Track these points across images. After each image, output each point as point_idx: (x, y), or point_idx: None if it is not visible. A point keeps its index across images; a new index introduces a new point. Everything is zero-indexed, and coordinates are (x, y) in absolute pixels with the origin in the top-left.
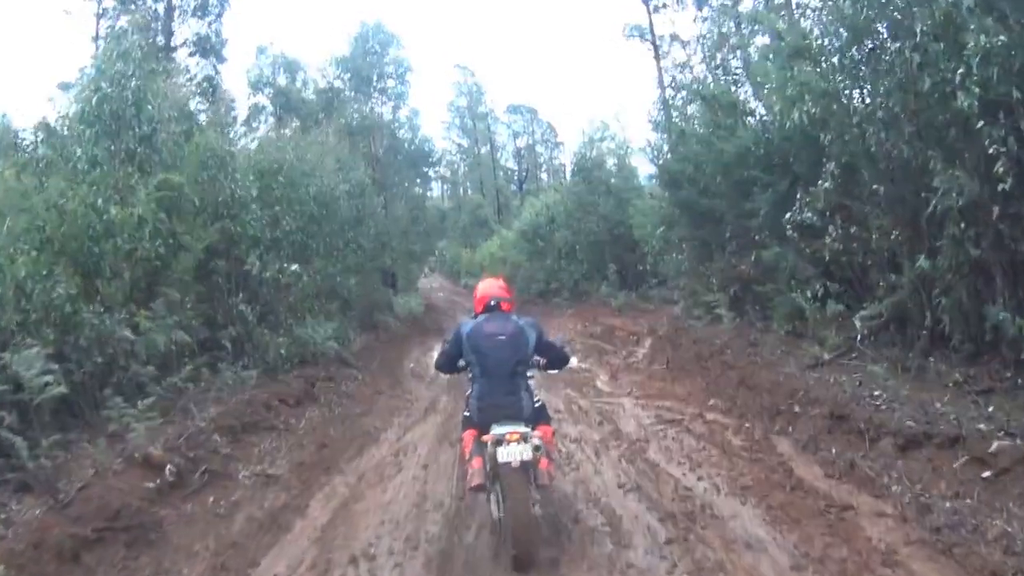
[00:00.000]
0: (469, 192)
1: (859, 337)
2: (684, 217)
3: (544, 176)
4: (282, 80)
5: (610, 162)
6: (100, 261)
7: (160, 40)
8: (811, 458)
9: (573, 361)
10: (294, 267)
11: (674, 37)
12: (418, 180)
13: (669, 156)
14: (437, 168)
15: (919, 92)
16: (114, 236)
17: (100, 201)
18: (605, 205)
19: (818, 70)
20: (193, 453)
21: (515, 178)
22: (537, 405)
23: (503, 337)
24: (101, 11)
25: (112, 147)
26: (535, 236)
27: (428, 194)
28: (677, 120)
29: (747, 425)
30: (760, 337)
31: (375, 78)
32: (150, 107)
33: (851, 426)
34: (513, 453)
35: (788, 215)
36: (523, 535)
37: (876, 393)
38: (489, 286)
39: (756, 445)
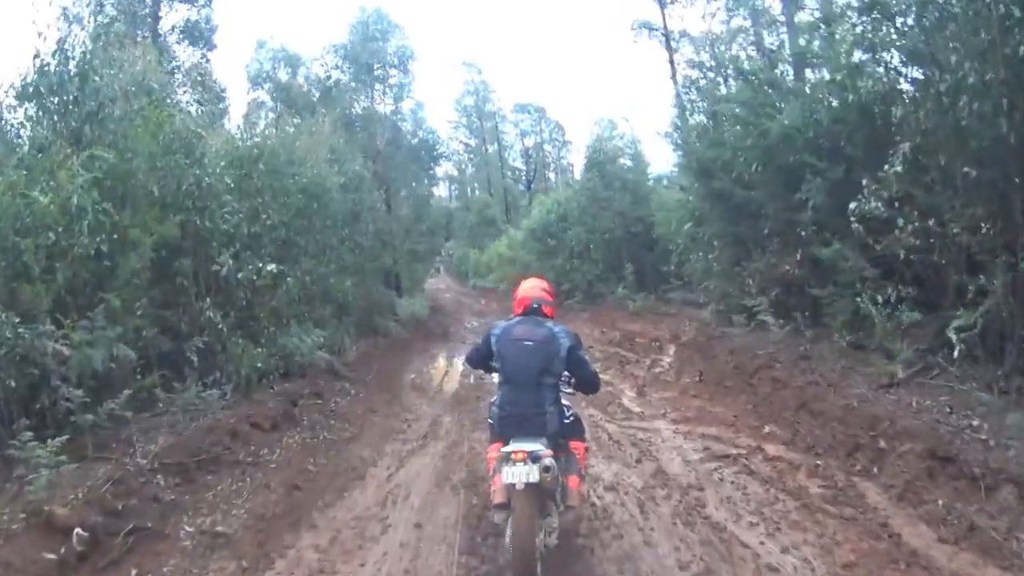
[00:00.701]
0: (476, 191)
1: (955, 352)
2: (716, 211)
3: (552, 176)
4: (283, 75)
5: (624, 156)
6: (26, 259)
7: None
8: (913, 513)
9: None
10: (271, 267)
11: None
12: (423, 176)
13: (698, 143)
14: (443, 161)
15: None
16: (48, 229)
17: (37, 189)
18: (621, 201)
19: (893, 29)
20: (122, 504)
21: (523, 178)
22: (569, 420)
23: (531, 343)
24: None
25: (57, 127)
26: (545, 235)
27: (434, 192)
28: (702, 106)
29: (820, 464)
30: (811, 348)
31: (376, 67)
32: (97, 79)
33: (957, 469)
34: (518, 474)
35: (854, 205)
36: (521, 569)
37: (975, 423)
38: (531, 287)
39: (840, 495)
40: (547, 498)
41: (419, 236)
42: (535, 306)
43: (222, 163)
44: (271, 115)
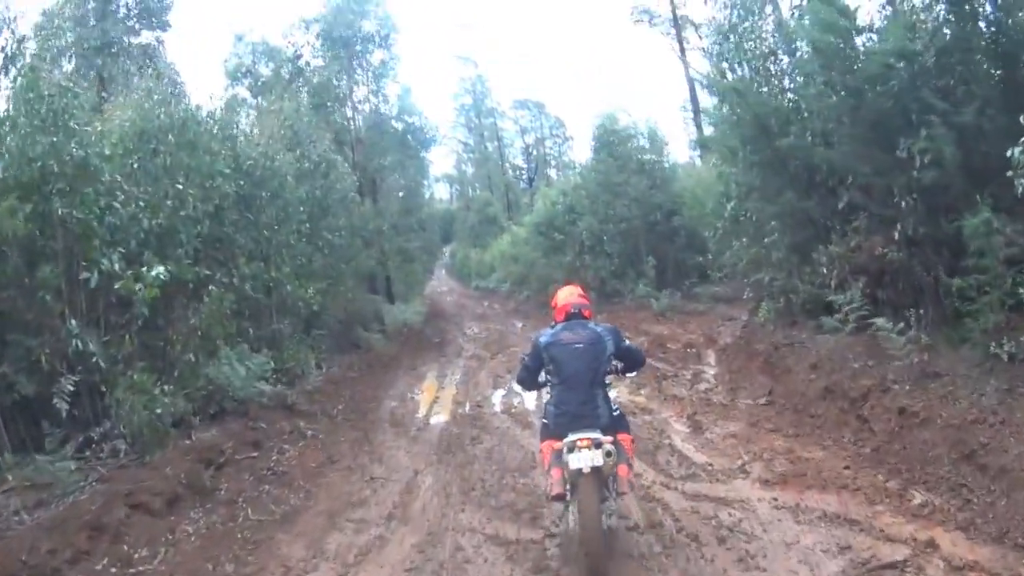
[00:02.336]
0: (477, 190)
1: None
2: (774, 182)
3: (554, 174)
4: (264, 70)
5: (639, 137)
6: None
7: None
8: None
9: (624, 395)
10: (157, 270)
11: None
12: (412, 165)
13: (740, 99)
14: (434, 145)
15: None
16: None
17: None
18: (637, 186)
19: None
20: None
21: (524, 175)
22: (616, 413)
23: (581, 345)
24: None
25: None
26: (551, 229)
27: (425, 183)
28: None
29: None
30: (937, 361)
31: (354, 44)
32: None
33: None
34: (584, 459)
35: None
36: (592, 546)
37: None
38: (569, 294)
39: None
40: (604, 484)
41: (408, 232)
42: (575, 311)
43: (114, 137)
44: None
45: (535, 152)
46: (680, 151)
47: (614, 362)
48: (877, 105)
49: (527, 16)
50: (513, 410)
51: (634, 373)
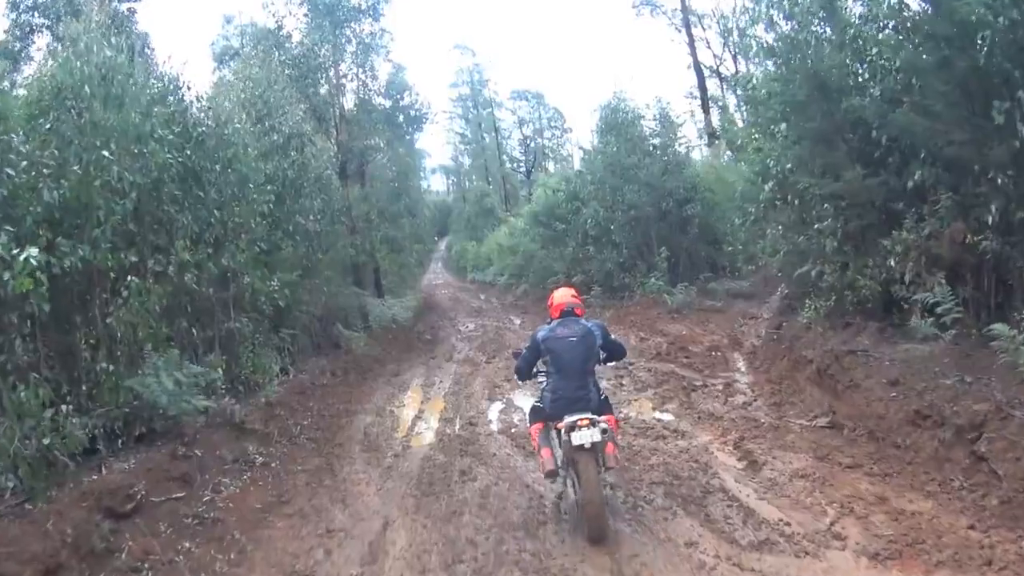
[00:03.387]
0: (474, 182)
1: None
2: (829, 157)
3: (551, 167)
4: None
5: (649, 118)
6: None
7: None
8: None
9: (647, 412)
10: (30, 252)
11: None
12: (402, 146)
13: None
14: (427, 123)
15: None
16: None
17: None
18: (649, 169)
19: None
20: None
21: (522, 167)
22: (603, 398)
23: (574, 339)
24: None
25: None
26: (552, 218)
27: (421, 168)
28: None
29: None
30: None
31: (340, 12)
32: None
33: None
34: (585, 436)
35: None
36: (596, 511)
37: None
38: (563, 295)
39: None
40: (599, 457)
41: (398, 219)
42: (569, 309)
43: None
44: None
45: (533, 144)
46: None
47: (602, 354)
48: (968, 60)
49: (526, 5)
50: (514, 430)
51: (615, 363)
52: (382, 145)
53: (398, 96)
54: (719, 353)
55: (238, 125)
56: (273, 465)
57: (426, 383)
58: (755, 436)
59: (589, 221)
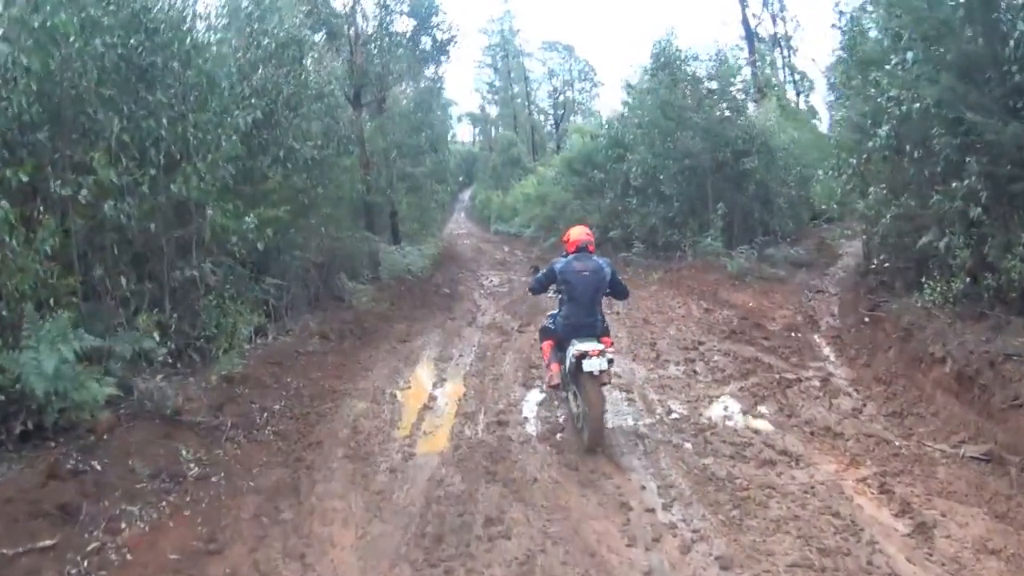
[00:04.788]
0: (501, 131)
1: None
2: (970, 96)
3: (580, 121)
4: None
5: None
6: None
7: None
8: None
9: (738, 416)
10: None
11: None
12: (425, 71)
13: None
14: (454, 46)
15: None
16: None
17: None
18: (707, 116)
19: None
20: None
21: (551, 120)
22: (604, 324)
23: (587, 273)
24: None
25: None
26: (588, 166)
27: (445, 101)
28: None
29: None
30: None
31: None
32: None
33: None
34: (594, 365)
35: None
36: (597, 426)
37: None
38: (579, 232)
39: None
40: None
41: (416, 154)
42: (583, 246)
43: None
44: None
45: (562, 97)
46: None
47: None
48: None
49: None
50: (560, 436)
51: (618, 299)
52: (404, 70)
53: (424, 17)
54: (798, 334)
55: (210, 20)
56: (213, 479)
57: (441, 356)
58: (897, 471)
59: (634, 169)
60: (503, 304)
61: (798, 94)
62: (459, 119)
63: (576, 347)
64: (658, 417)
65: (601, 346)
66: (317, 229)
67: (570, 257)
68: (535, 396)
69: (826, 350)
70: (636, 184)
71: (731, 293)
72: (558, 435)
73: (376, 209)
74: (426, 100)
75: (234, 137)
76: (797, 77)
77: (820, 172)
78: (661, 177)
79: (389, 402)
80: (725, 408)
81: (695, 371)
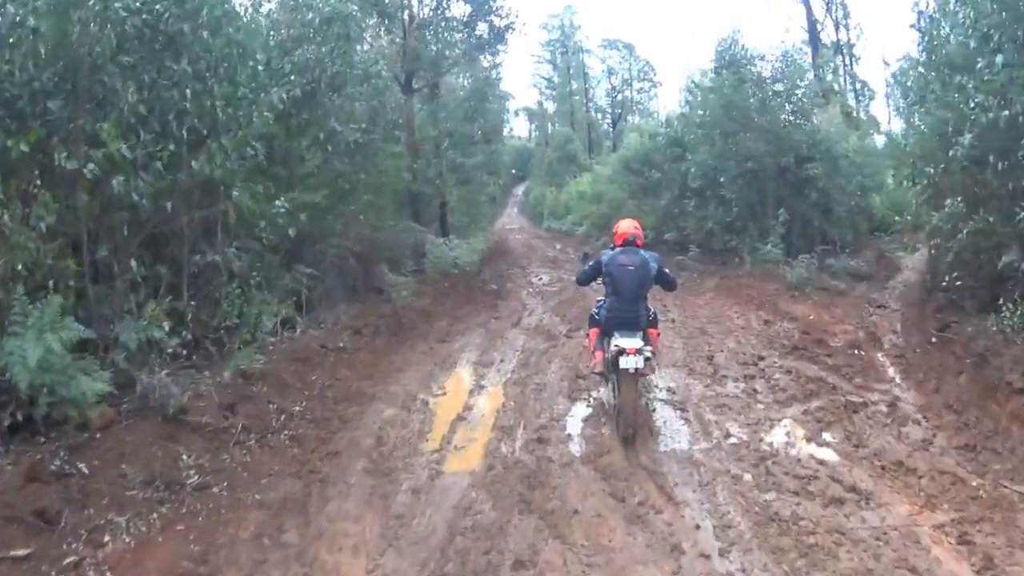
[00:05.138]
0: (557, 126)
1: None
2: None
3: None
4: None
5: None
6: None
7: None
8: None
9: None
10: None
11: None
12: (481, 58)
13: None
14: (510, 35)
15: None
16: None
17: None
18: (772, 116)
19: None
20: None
21: (607, 118)
22: (651, 316)
23: (632, 268)
24: None
25: None
26: (645, 166)
27: (500, 91)
28: None
29: None
30: None
31: None
32: None
33: None
34: (630, 363)
35: None
36: (631, 418)
37: None
38: (628, 226)
39: None
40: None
41: (468, 144)
42: (631, 239)
43: None
44: None
45: (620, 96)
46: None
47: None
48: None
49: None
50: (605, 459)
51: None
52: (459, 57)
53: (481, 2)
54: (861, 352)
55: None
56: (214, 490)
57: (481, 360)
58: (976, 517)
59: (693, 170)
60: (551, 305)
61: (858, 103)
62: (516, 113)
63: (615, 342)
64: (715, 441)
65: (639, 344)
66: (357, 217)
67: (617, 251)
68: (581, 410)
69: (891, 371)
70: (694, 186)
71: (791, 304)
72: (604, 457)
73: (424, 200)
74: (481, 89)
75: (267, 114)
76: (858, 86)
77: (889, 181)
78: (721, 179)
79: (420, 410)
80: (788, 433)
81: (755, 389)
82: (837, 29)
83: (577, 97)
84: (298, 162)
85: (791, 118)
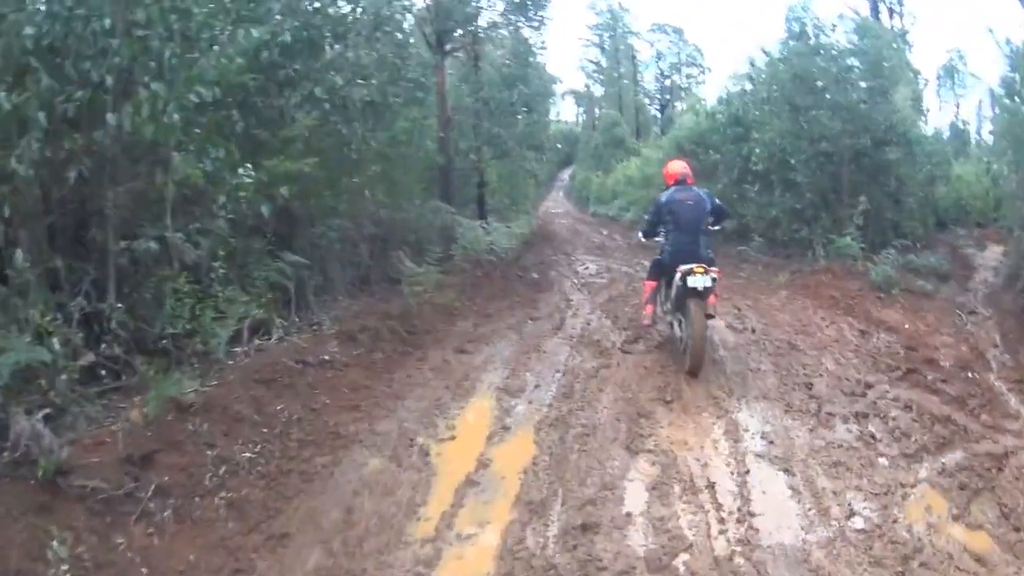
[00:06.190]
0: (605, 110)
1: None
2: None
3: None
4: None
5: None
6: None
7: None
8: None
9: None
10: None
11: None
12: (522, 22)
13: None
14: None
15: None
16: None
17: None
18: (847, 96)
19: None
20: None
21: (656, 103)
22: (710, 254)
23: (691, 202)
24: None
25: None
26: (702, 146)
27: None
28: None
29: None
30: None
31: None
32: None
33: None
34: (699, 281)
35: None
36: (699, 348)
37: None
38: (678, 166)
39: None
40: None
41: (507, 114)
42: (682, 178)
43: None
44: None
45: (669, 81)
46: None
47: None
48: None
49: None
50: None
51: (718, 227)
52: (496, 17)
53: None
54: (975, 375)
55: None
56: None
57: (508, 385)
58: None
59: (757, 151)
60: (600, 301)
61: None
62: (562, 96)
63: (681, 268)
64: (836, 527)
65: (705, 265)
66: (359, 192)
67: (672, 189)
68: (645, 469)
69: (1013, 401)
70: (757, 169)
71: (880, 309)
72: (681, 556)
73: (459, 178)
74: (522, 52)
75: (238, 59)
76: (911, 74)
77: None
78: (792, 162)
79: (416, 464)
80: (928, 509)
81: (873, 435)
82: (891, 16)
83: (625, 81)
84: (285, 123)
85: (867, 97)
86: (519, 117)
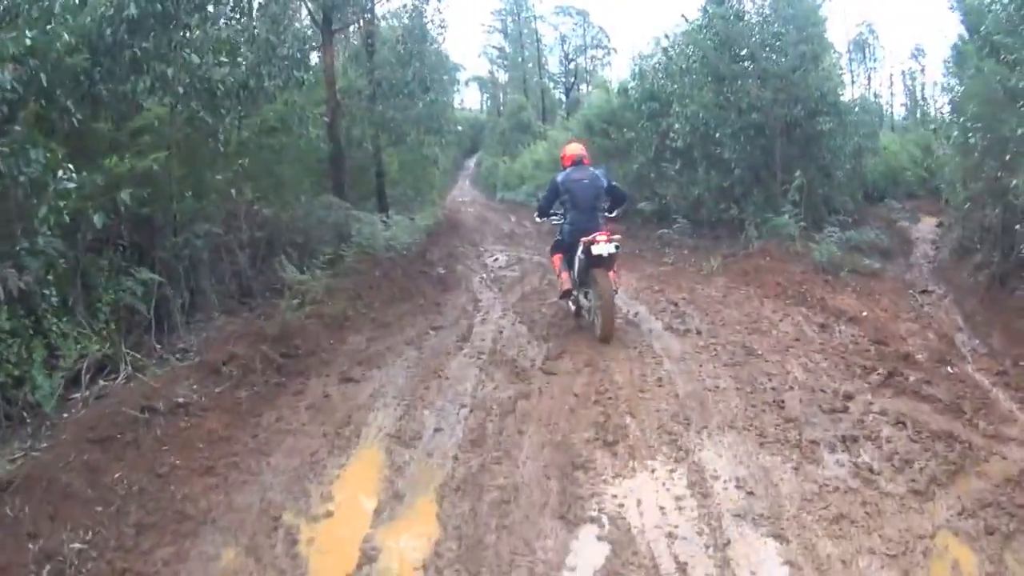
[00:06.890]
0: (510, 95)
1: None
2: None
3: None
4: None
5: None
6: None
7: None
8: None
9: None
10: None
11: None
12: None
13: None
14: None
15: None
16: None
17: None
18: (778, 63)
19: None
20: None
21: (560, 86)
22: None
23: (586, 181)
24: None
25: None
26: (613, 126)
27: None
28: None
29: None
30: None
31: None
32: None
33: None
34: (603, 248)
35: None
36: (608, 314)
37: None
38: (574, 148)
39: None
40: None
41: (402, 95)
42: (579, 159)
43: None
44: None
45: (574, 64)
46: None
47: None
48: None
49: None
50: None
51: (614, 213)
52: None
53: None
54: (954, 370)
55: None
56: None
57: (402, 431)
58: None
59: (676, 127)
60: (512, 300)
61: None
62: (466, 83)
63: (583, 239)
64: None
65: (606, 234)
66: (223, 190)
67: (568, 170)
68: (593, 554)
69: (1002, 397)
70: (676, 146)
71: (833, 295)
72: None
73: (352, 168)
74: (417, 27)
75: (67, 37)
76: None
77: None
78: (717, 136)
79: (280, 559)
80: (955, 568)
81: (870, 468)
82: None
83: (530, 65)
84: (136, 113)
85: (799, 63)
86: (415, 99)
